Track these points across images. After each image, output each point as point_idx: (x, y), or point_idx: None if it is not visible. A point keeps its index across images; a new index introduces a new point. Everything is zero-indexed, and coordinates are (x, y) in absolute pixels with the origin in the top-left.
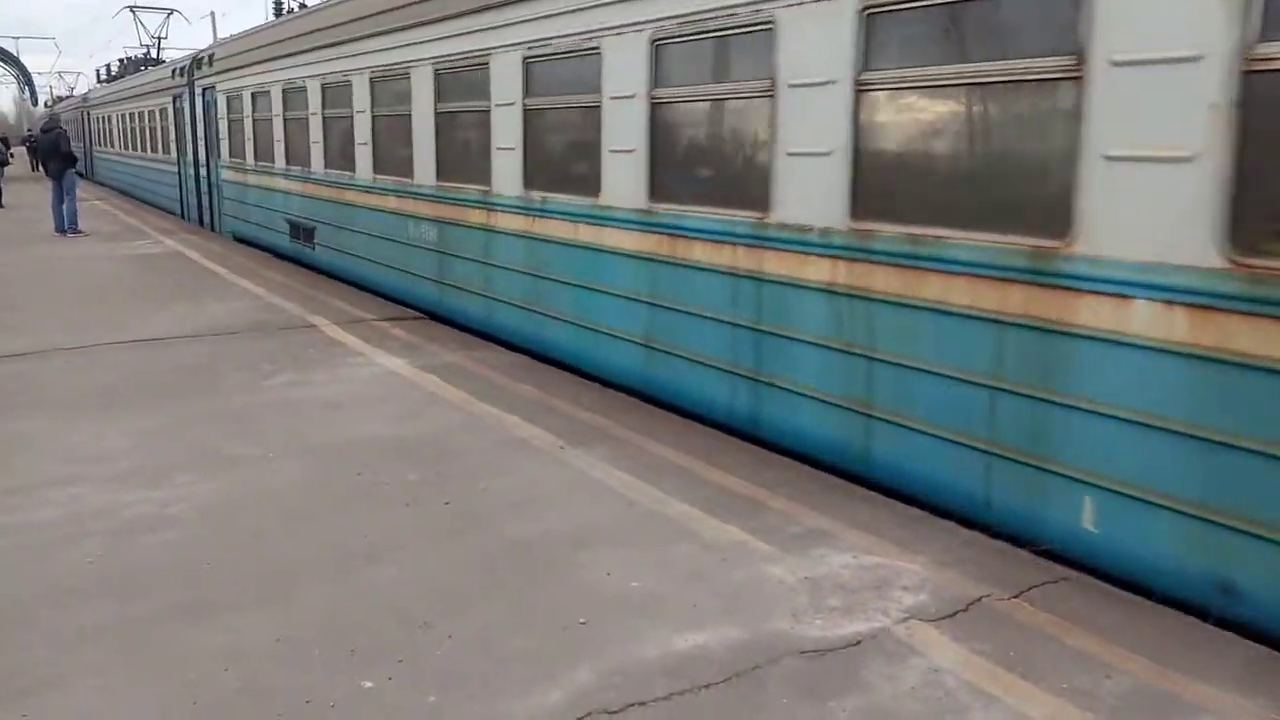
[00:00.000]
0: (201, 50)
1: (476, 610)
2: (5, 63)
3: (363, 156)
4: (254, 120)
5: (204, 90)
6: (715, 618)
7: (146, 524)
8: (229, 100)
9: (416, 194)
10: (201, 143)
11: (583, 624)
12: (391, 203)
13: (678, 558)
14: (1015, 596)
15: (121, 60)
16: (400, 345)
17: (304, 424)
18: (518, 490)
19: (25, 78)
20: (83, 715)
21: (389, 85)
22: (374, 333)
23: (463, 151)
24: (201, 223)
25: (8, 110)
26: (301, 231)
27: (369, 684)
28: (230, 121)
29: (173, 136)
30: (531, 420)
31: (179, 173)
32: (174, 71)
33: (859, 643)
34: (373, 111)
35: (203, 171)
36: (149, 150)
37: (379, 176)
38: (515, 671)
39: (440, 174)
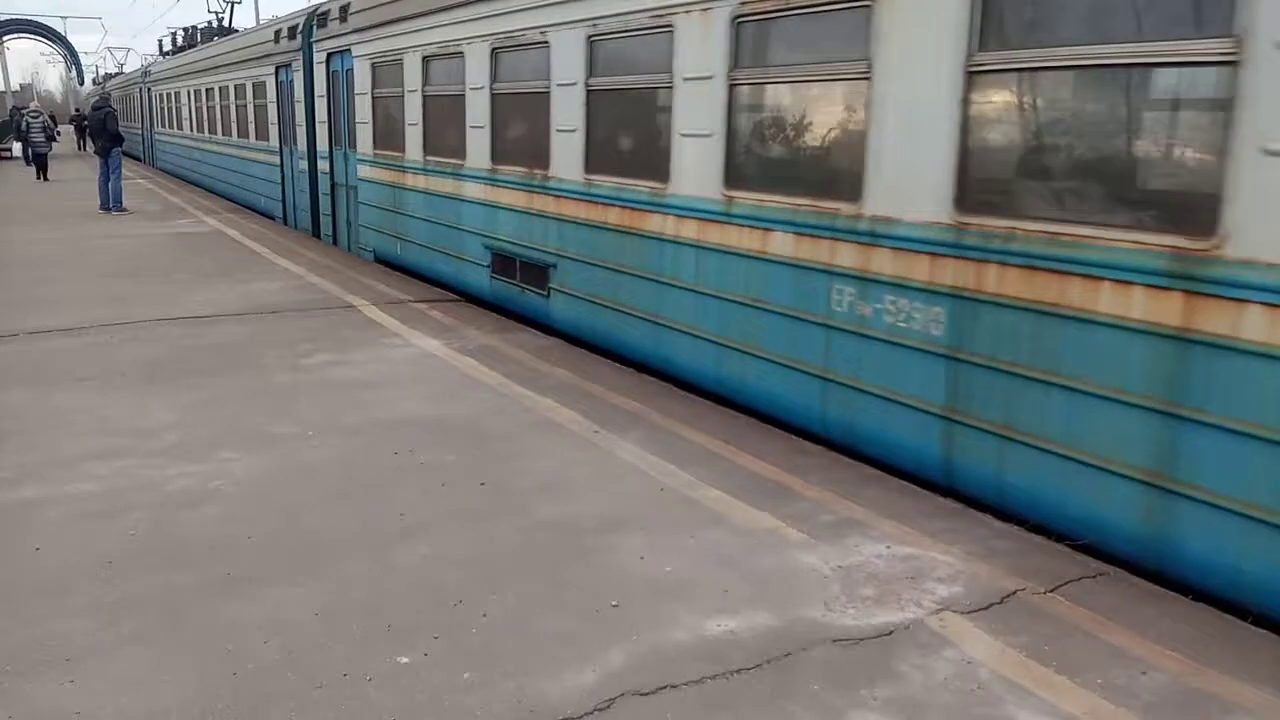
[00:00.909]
0: (324, 2)
1: (510, 590)
2: (54, 41)
3: (694, 157)
4: (425, 97)
5: (329, 56)
6: (747, 604)
7: (188, 498)
8: (376, 69)
9: (880, 237)
10: (322, 126)
11: (615, 606)
12: (780, 245)
13: (709, 543)
14: (1051, 590)
15: (186, 29)
16: (437, 327)
17: (342, 403)
18: (551, 472)
19: (72, 57)
20: (126, 683)
21: (794, 28)
22: (411, 314)
23: (1081, 156)
24: (318, 234)
25: (55, 89)
26: (520, 268)
27: (405, 659)
28: (377, 99)
29: (273, 118)
30: (566, 404)
31: (282, 166)
32: (279, 33)
33: (891, 633)
34: (732, 77)
35: (323, 166)
36: (236, 134)
37: (742, 195)
38: (549, 651)
39: (967, 202)
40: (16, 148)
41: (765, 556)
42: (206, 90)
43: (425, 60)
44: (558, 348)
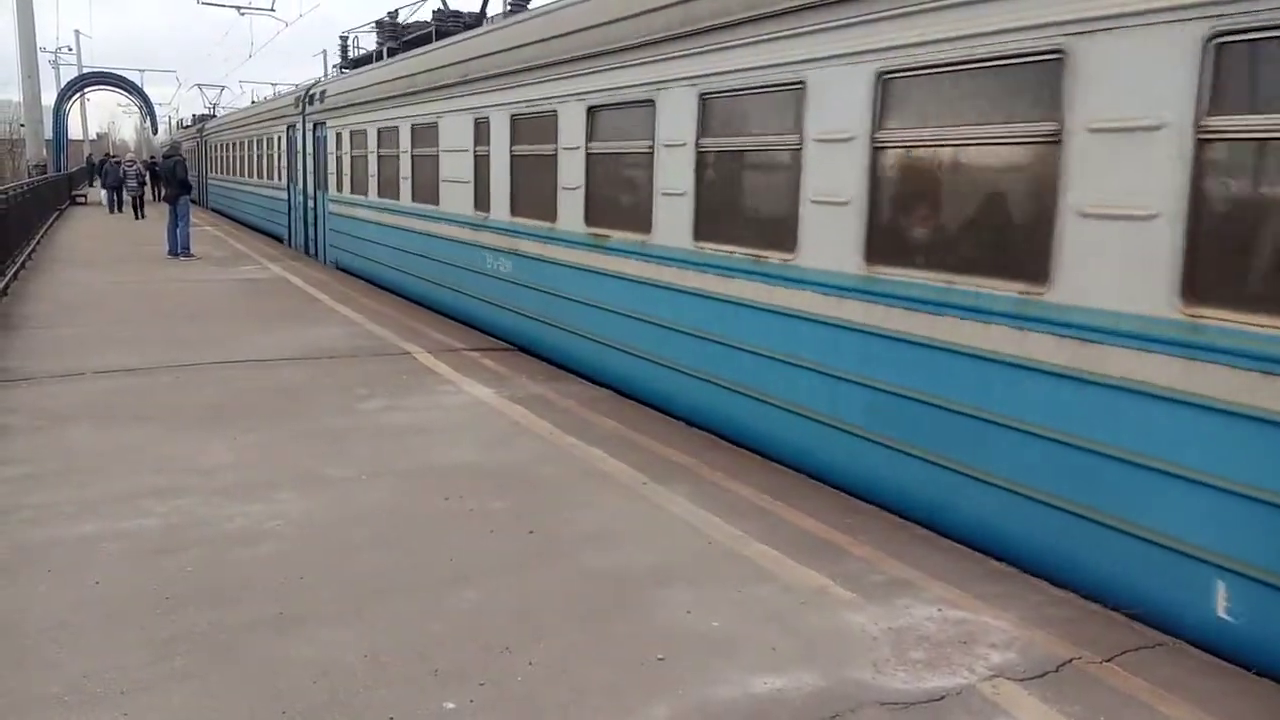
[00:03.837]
0: None
1: (556, 639)
2: (130, 92)
3: None
4: None
5: None
6: (794, 662)
7: (244, 537)
8: None
9: None
10: None
11: (660, 660)
12: None
13: (757, 599)
14: (1108, 660)
15: (390, 14)
16: (489, 375)
17: (395, 448)
18: (599, 523)
19: (147, 107)
20: (178, 718)
21: None
22: (464, 362)
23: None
24: None
25: (129, 138)
26: None
27: (451, 705)
28: None
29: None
30: (615, 454)
31: None
32: None
33: (943, 698)
34: None
35: None
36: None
37: None
38: (593, 702)
39: None
40: (96, 194)
41: (813, 615)
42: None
43: None
44: (608, 399)
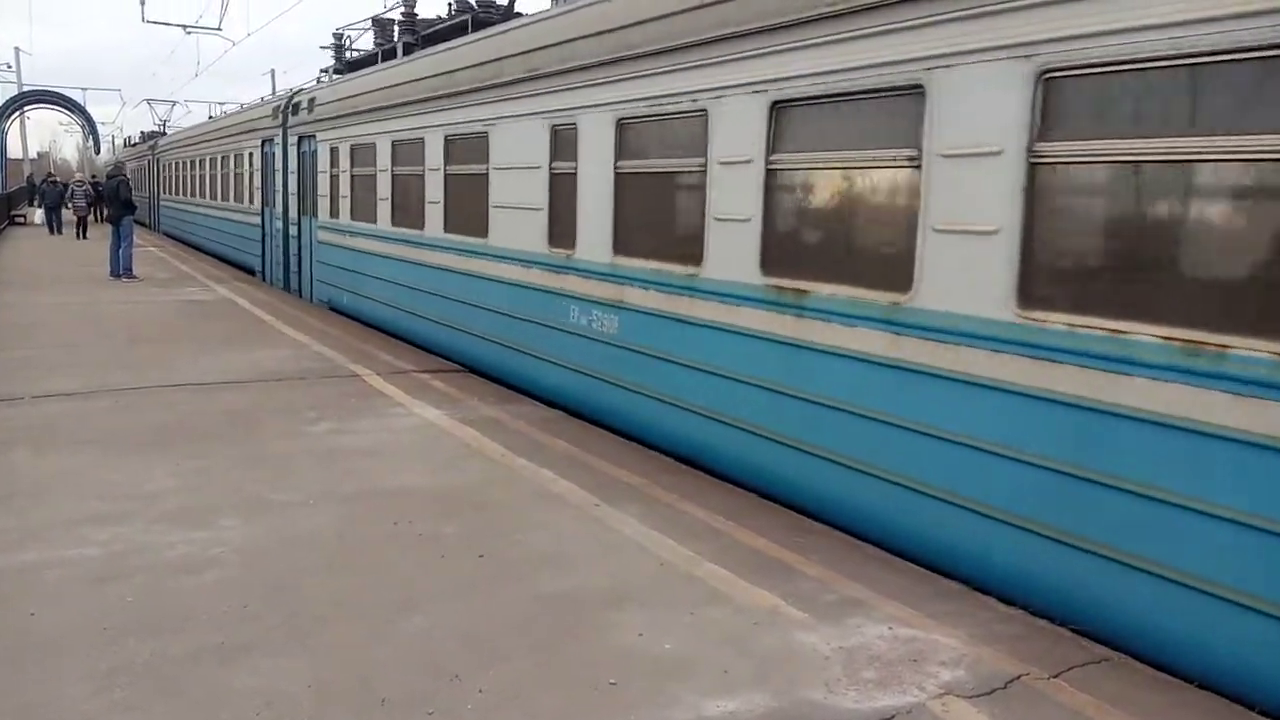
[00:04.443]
0: None
1: (507, 665)
2: (72, 111)
3: None
4: None
5: None
6: (747, 684)
7: (187, 565)
8: None
9: None
10: None
11: (613, 684)
12: None
13: (709, 621)
14: (1055, 676)
15: None
16: (439, 397)
17: (343, 472)
18: (551, 545)
19: (90, 127)
20: None
21: None
22: (414, 384)
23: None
24: None
25: (70, 157)
26: None
27: None
28: None
29: None
30: (567, 476)
31: None
32: None
33: (893, 717)
34: None
35: None
36: None
37: None
38: None
39: None
40: (35, 215)
41: (766, 636)
42: None
43: None
44: (560, 420)
